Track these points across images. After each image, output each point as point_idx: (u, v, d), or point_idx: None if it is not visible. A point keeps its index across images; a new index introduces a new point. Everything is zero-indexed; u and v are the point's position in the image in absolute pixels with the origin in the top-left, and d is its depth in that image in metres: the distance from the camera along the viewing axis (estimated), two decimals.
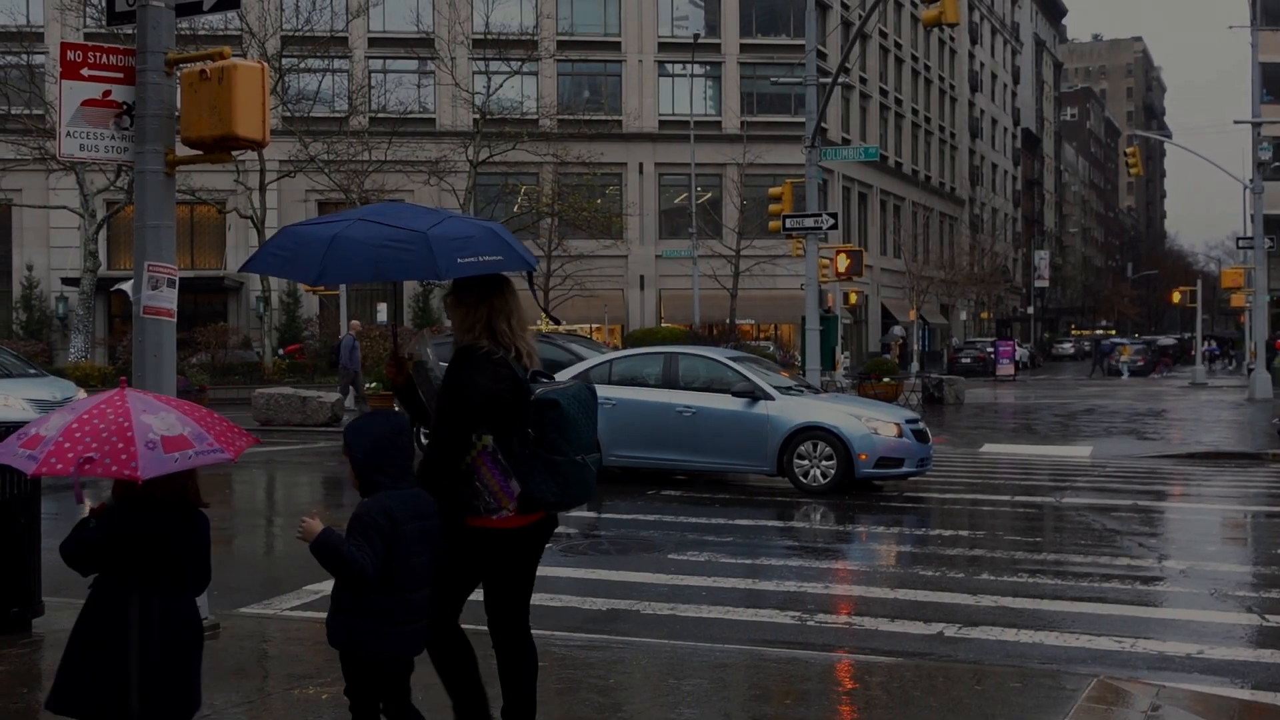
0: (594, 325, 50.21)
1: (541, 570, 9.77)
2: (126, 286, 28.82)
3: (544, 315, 45.44)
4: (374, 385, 26.96)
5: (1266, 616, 8.71)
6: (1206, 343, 65.96)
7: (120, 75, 7.36)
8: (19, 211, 47.33)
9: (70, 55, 7.28)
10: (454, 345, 4.81)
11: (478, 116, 41.88)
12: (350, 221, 4.70)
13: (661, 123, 56.35)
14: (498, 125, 43.04)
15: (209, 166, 9.40)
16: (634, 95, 56.41)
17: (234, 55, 7.21)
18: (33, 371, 20.05)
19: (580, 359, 18.17)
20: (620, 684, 6.53)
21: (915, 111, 75.12)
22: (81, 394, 19.28)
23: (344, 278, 4.64)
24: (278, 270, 4.80)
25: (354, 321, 31.22)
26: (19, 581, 7.14)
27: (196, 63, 7.21)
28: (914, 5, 69.82)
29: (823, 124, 26.51)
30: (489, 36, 43.93)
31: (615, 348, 28.55)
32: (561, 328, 43.03)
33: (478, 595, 4.89)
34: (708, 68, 57.43)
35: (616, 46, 56.75)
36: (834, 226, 26.00)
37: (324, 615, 8.07)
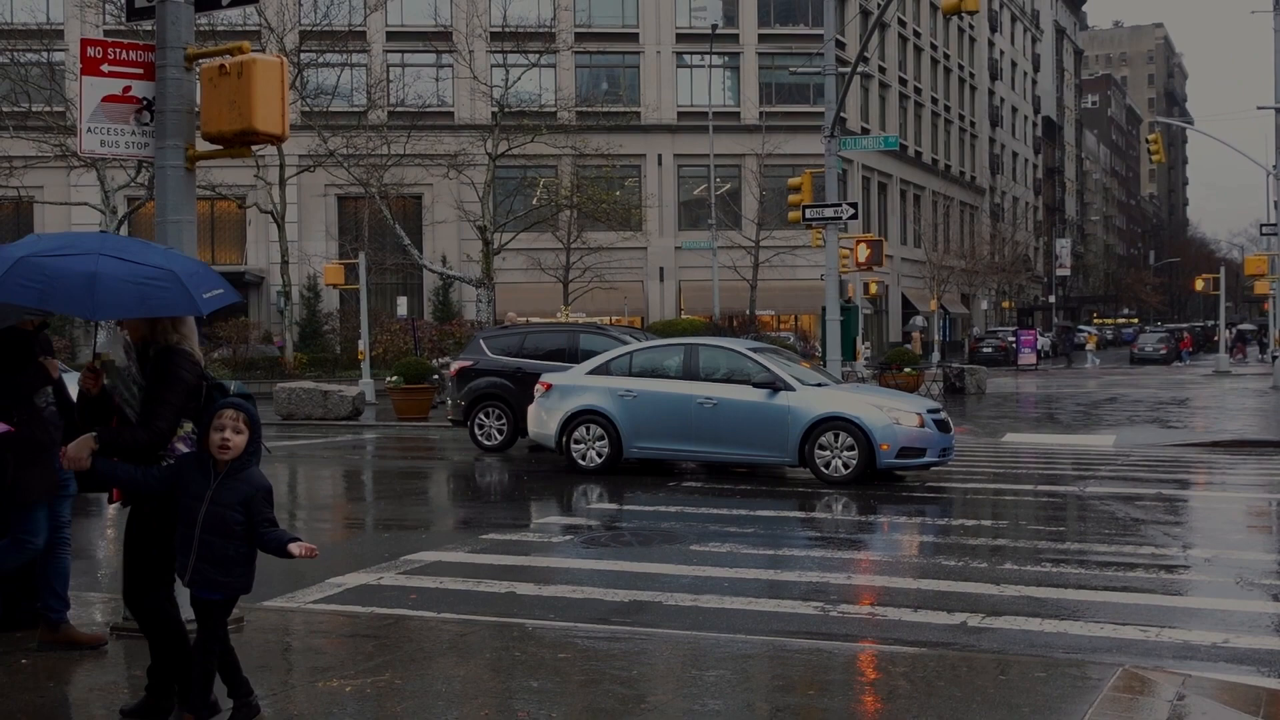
0: (614, 317, 50.23)
1: (564, 561, 9.84)
2: None
3: (564, 308, 45.49)
4: (394, 379, 27.02)
5: None
6: (1228, 330, 65.66)
7: (140, 71, 7.37)
8: (41, 209, 47.60)
9: (90, 51, 7.29)
10: (153, 347, 5.33)
11: (496, 109, 41.82)
12: (92, 256, 5.05)
13: (680, 114, 56.28)
14: (516, 118, 42.96)
15: (229, 161, 9.44)
16: (652, 87, 56.35)
17: (253, 50, 7.21)
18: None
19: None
20: (643, 675, 6.53)
21: (935, 100, 74.80)
22: None
23: (116, 313, 5.14)
24: (37, 301, 5.09)
25: (510, 313, 31.35)
26: None
27: (216, 58, 7.22)
28: None
29: (842, 113, 26.39)
30: (507, 29, 43.90)
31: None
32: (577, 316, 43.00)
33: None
34: (726, 58, 57.29)
35: (634, 38, 56.70)
36: (854, 216, 25.90)
37: (347, 608, 8.16)
